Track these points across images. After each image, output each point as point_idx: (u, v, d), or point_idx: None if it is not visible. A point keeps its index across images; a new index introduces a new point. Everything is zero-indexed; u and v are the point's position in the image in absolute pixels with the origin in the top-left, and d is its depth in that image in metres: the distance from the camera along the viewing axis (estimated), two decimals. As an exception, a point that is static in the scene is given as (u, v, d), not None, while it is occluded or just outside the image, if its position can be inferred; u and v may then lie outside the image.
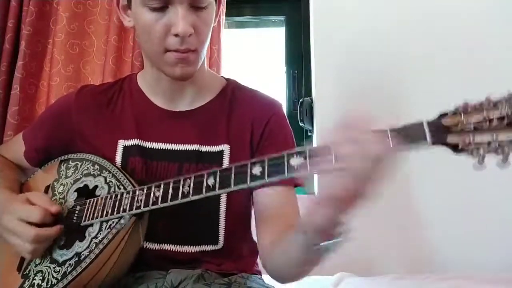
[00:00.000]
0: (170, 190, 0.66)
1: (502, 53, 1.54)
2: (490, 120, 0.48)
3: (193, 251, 0.79)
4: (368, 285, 1.20)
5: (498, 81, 1.48)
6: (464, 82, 1.51)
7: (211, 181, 0.62)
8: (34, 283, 0.73)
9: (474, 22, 1.57)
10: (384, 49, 1.58)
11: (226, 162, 0.81)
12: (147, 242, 0.78)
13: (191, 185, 0.64)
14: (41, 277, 0.72)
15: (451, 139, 0.50)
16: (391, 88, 1.57)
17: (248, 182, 0.59)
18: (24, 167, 0.94)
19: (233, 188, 0.61)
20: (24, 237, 0.71)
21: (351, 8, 1.62)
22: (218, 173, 0.62)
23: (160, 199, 0.67)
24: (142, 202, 0.68)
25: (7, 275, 0.79)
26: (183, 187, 0.65)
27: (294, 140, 0.89)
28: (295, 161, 0.56)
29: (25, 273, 0.76)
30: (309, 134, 1.68)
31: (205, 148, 0.82)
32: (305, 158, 0.55)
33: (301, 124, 1.64)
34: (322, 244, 0.59)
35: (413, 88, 1.56)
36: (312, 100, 1.64)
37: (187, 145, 0.82)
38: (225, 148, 0.82)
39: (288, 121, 0.90)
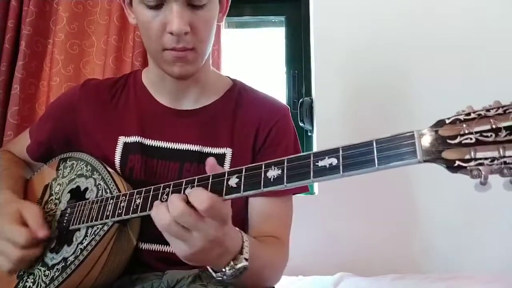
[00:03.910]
0: (150, 199, 0.63)
1: (507, 51, 1.54)
2: (497, 130, 0.38)
3: None
4: (368, 285, 1.20)
5: (503, 80, 1.49)
6: (467, 82, 1.52)
7: (188, 191, 0.58)
8: (26, 285, 0.73)
9: (476, 21, 1.57)
10: (384, 49, 1.58)
11: (227, 166, 0.80)
12: (144, 243, 0.78)
13: (169, 194, 0.60)
14: (32, 280, 0.72)
15: (447, 154, 0.40)
16: (392, 88, 1.57)
17: (223, 195, 0.54)
18: (31, 162, 0.94)
19: None
20: (8, 257, 0.70)
21: (351, 8, 1.62)
22: (196, 182, 0.58)
23: (140, 207, 0.64)
24: (124, 209, 0.66)
25: (3, 275, 0.78)
26: (161, 195, 0.61)
27: (299, 146, 0.88)
28: (272, 173, 0.51)
29: (20, 274, 0.76)
30: (309, 134, 1.68)
31: (207, 149, 0.81)
32: (282, 170, 0.51)
33: (301, 124, 1.64)
34: (217, 274, 0.60)
35: (413, 87, 1.56)
36: (312, 100, 1.64)
37: (189, 145, 0.81)
38: (228, 151, 0.81)
39: (293, 126, 0.89)
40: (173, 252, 0.77)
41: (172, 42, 0.72)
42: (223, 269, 0.59)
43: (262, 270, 0.66)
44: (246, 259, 0.60)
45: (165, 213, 0.53)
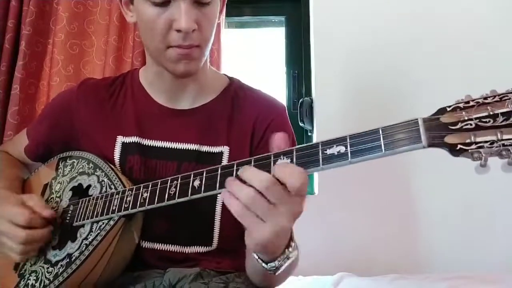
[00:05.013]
0: (157, 192, 0.64)
1: (507, 51, 1.54)
2: (495, 116, 0.41)
3: (188, 252, 0.79)
4: (368, 285, 1.20)
5: (503, 78, 1.49)
6: (467, 81, 1.51)
7: (197, 183, 0.59)
8: (28, 283, 0.73)
9: (476, 21, 1.57)
10: (384, 49, 1.58)
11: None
12: (144, 242, 0.78)
13: (178, 186, 0.61)
14: (35, 277, 0.72)
15: (450, 139, 0.43)
16: (391, 88, 1.57)
17: None
18: (28, 162, 0.94)
19: (218, 190, 0.56)
20: (13, 238, 0.71)
21: (351, 8, 1.62)
22: (204, 174, 0.58)
23: (147, 200, 0.65)
24: (130, 203, 0.67)
25: (4, 275, 0.79)
26: (169, 188, 0.62)
27: (296, 144, 0.88)
28: (281, 162, 0.52)
29: (21, 272, 0.76)
30: (309, 134, 1.68)
31: (204, 148, 0.81)
32: (291, 160, 0.51)
33: (301, 124, 1.64)
34: (270, 264, 0.57)
35: (414, 87, 1.56)
36: (312, 100, 1.64)
37: (187, 144, 0.82)
38: (225, 149, 0.82)
39: (290, 123, 0.89)
40: (175, 251, 0.78)
41: (178, 40, 0.72)
42: (280, 258, 0.56)
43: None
44: (297, 247, 0.58)
45: (247, 186, 0.50)
